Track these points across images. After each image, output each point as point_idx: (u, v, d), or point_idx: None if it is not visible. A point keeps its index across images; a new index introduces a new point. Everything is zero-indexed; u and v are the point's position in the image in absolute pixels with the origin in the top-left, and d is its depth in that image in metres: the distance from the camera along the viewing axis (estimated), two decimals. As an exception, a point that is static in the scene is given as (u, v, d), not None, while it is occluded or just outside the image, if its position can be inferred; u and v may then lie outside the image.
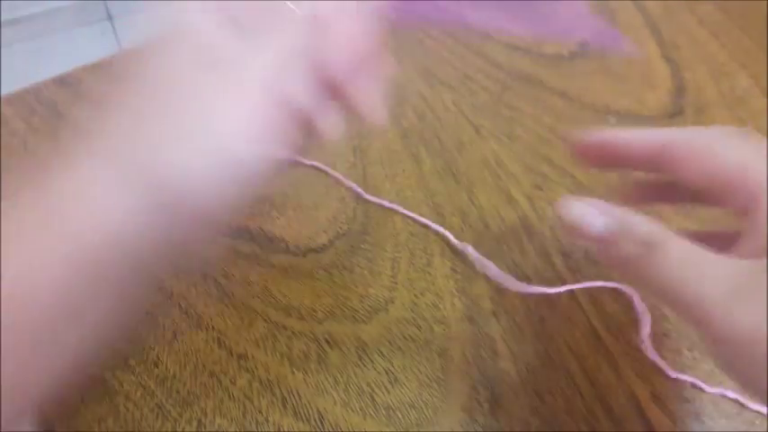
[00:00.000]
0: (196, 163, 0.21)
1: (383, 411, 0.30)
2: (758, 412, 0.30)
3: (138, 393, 0.30)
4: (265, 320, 0.33)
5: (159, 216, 0.22)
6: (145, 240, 0.22)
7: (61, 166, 0.22)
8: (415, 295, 0.34)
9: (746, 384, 0.19)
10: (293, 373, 0.31)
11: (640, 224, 0.20)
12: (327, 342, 0.32)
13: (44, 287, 0.21)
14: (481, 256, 0.35)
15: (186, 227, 0.24)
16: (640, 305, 0.33)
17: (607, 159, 0.26)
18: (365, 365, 0.31)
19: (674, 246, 0.20)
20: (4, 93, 0.47)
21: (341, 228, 0.37)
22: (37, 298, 0.21)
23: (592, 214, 0.22)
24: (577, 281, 0.34)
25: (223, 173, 0.22)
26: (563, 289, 0.34)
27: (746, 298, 0.18)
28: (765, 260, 0.18)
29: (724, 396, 0.30)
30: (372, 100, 0.24)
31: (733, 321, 0.18)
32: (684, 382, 0.31)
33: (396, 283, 0.34)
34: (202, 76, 0.22)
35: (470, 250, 0.35)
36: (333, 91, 0.23)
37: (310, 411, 0.30)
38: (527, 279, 0.35)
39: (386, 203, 0.38)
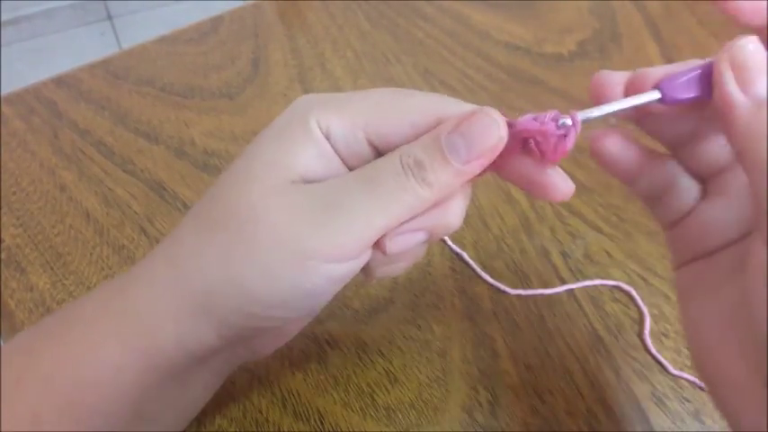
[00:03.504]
0: (269, 288, 0.21)
1: (383, 411, 0.30)
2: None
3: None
4: (265, 320, 0.33)
5: (234, 338, 0.22)
6: (219, 353, 0.23)
7: (143, 287, 0.22)
8: (415, 295, 0.34)
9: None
10: (293, 373, 0.31)
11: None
12: (327, 342, 0.32)
13: (122, 400, 0.22)
14: (475, 265, 0.35)
15: (253, 345, 0.25)
16: (641, 304, 0.33)
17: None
18: (365, 365, 0.31)
19: None
20: (4, 93, 0.47)
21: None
22: (113, 409, 0.22)
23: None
24: (577, 281, 0.34)
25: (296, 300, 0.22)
26: (561, 289, 0.34)
27: None
28: None
29: (724, 396, 0.30)
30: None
31: None
32: (684, 381, 0.31)
33: (396, 283, 0.34)
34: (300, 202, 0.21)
35: (465, 257, 0.35)
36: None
37: (310, 411, 0.30)
38: (527, 279, 0.35)
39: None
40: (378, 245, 0.22)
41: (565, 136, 0.21)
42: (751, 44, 0.20)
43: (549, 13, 0.53)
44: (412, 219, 0.21)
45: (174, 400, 0.24)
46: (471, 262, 0.35)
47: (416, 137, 0.21)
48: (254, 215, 0.21)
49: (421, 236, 0.22)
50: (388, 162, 0.21)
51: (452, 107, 0.21)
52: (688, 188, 0.23)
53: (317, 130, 0.21)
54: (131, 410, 0.22)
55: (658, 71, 0.21)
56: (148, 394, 0.22)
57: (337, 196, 0.21)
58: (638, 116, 0.23)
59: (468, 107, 0.21)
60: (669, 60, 0.48)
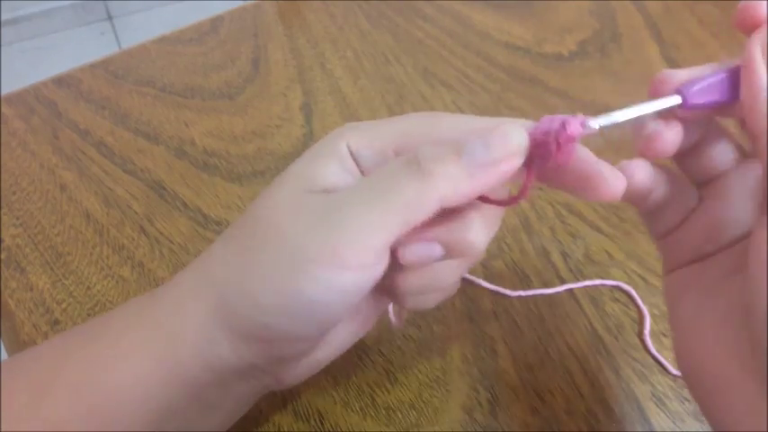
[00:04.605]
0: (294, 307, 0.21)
1: (383, 411, 0.30)
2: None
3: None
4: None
5: (253, 358, 0.22)
6: (241, 377, 0.23)
7: (171, 297, 0.22)
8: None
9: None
10: (293, 373, 0.31)
11: None
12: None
13: (144, 411, 0.22)
14: (474, 277, 0.35)
15: (283, 367, 0.24)
16: (640, 303, 0.33)
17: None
18: (365, 365, 0.31)
19: None
20: (4, 93, 0.47)
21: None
22: (135, 421, 0.22)
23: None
24: (577, 281, 0.34)
25: (319, 317, 0.21)
26: (561, 289, 0.34)
27: None
28: None
29: (724, 396, 0.30)
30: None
31: None
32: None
33: (396, 283, 0.34)
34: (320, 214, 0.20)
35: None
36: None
37: (310, 411, 0.30)
38: (527, 279, 0.35)
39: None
40: (393, 254, 0.21)
41: (570, 139, 0.19)
42: None
43: (549, 13, 0.53)
44: (426, 226, 0.20)
45: (195, 423, 0.24)
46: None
47: None
48: (266, 221, 0.21)
49: (437, 249, 0.21)
50: (394, 161, 0.21)
51: (480, 123, 0.21)
52: (687, 197, 0.23)
53: (344, 148, 0.22)
54: (151, 426, 0.22)
55: (680, 74, 0.21)
56: (170, 410, 0.22)
57: (340, 200, 0.20)
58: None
59: (497, 121, 0.21)
60: (669, 60, 0.48)
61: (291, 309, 0.20)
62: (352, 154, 0.22)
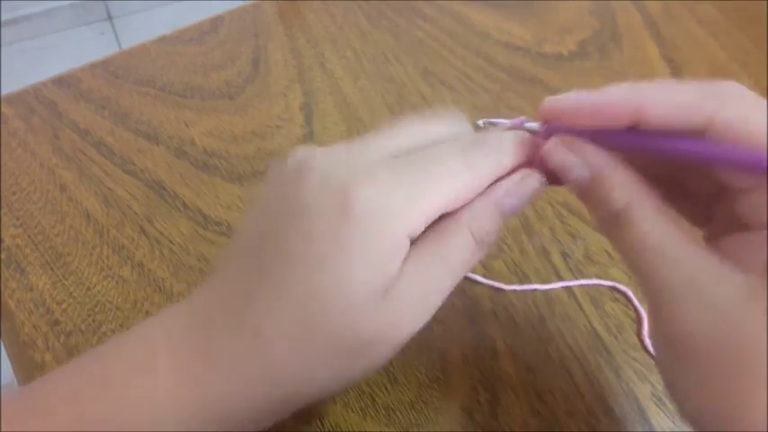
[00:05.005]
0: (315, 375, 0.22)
1: (383, 411, 0.30)
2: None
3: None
4: (265, 320, 0.33)
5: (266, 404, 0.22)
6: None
7: (225, 353, 0.22)
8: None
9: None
10: (293, 373, 0.31)
11: (615, 188, 0.20)
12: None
13: None
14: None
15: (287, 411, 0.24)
16: (637, 304, 0.33)
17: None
18: (365, 365, 0.31)
19: (647, 225, 0.19)
20: (4, 93, 0.47)
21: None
22: None
23: (571, 162, 0.21)
24: (577, 280, 0.34)
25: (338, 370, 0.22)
26: (557, 285, 0.34)
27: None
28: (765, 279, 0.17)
29: (724, 396, 0.30)
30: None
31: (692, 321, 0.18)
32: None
33: (396, 283, 0.34)
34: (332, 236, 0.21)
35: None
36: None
37: (310, 411, 0.30)
38: (527, 279, 0.35)
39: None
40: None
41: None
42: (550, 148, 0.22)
43: (549, 13, 0.53)
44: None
45: None
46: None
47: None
48: (349, 327, 0.21)
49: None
50: (460, 236, 0.22)
51: (509, 161, 0.23)
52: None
53: (406, 242, 0.21)
54: None
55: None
56: None
57: (420, 287, 0.22)
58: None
59: (514, 157, 0.23)
60: (669, 60, 0.48)
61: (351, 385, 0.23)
62: (410, 236, 0.22)
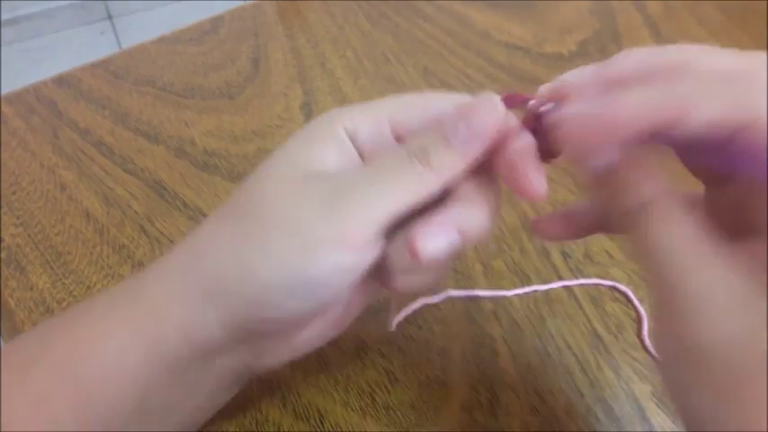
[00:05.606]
0: (284, 284, 0.21)
1: (383, 411, 0.30)
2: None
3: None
4: (265, 320, 0.33)
5: (239, 332, 0.22)
6: (224, 352, 0.23)
7: (156, 274, 0.23)
8: (416, 295, 0.34)
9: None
10: (293, 372, 0.31)
11: (643, 179, 0.19)
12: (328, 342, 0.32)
13: (126, 385, 0.22)
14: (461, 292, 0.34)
15: (267, 345, 0.24)
16: (637, 303, 0.33)
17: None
18: (365, 365, 0.31)
19: (672, 224, 0.18)
20: (4, 92, 0.47)
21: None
22: (118, 395, 0.22)
23: (600, 144, 0.19)
24: (577, 280, 0.34)
25: (311, 299, 0.22)
26: (557, 285, 0.34)
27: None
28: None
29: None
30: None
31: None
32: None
33: (396, 283, 0.34)
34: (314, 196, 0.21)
35: (452, 293, 0.34)
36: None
37: (310, 411, 0.30)
38: (527, 279, 0.35)
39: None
40: (410, 250, 0.21)
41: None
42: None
43: (549, 13, 0.53)
44: (435, 215, 0.21)
45: (177, 403, 0.24)
46: (459, 292, 0.35)
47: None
48: (267, 204, 0.21)
49: (454, 235, 0.21)
50: (395, 150, 0.22)
51: (461, 99, 0.22)
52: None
53: (341, 131, 0.22)
54: (134, 401, 0.22)
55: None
56: (151, 386, 0.22)
57: (345, 184, 0.21)
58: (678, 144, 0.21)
59: (476, 98, 0.22)
60: (669, 60, 0.48)
61: (292, 286, 0.21)
62: (348, 136, 0.23)
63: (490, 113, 0.22)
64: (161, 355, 0.22)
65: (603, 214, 0.23)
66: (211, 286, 0.22)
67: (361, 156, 0.23)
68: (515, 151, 0.21)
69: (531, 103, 0.23)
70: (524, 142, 0.22)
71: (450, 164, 0.21)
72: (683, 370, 0.18)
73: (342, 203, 0.21)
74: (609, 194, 0.20)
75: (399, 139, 0.23)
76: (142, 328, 0.22)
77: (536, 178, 0.21)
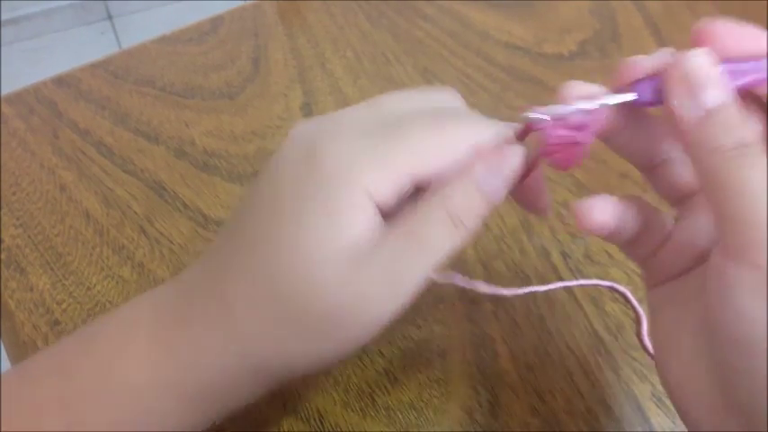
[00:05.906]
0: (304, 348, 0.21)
1: (383, 411, 0.30)
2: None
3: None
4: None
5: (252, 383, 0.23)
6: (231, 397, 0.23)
7: (196, 322, 0.22)
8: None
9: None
10: (293, 373, 0.31)
11: (749, 117, 0.19)
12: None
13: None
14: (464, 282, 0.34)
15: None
16: (636, 304, 0.33)
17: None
18: (365, 365, 0.31)
19: (757, 163, 0.18)
20: (4, 92, 0.47)
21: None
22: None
23: (713, 75, 0.20)
24: (577, 281, 0.34)
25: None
26: (557, 285, 0.34)
27: None
28: None
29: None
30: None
31: None
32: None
33: (396, 283, 0.34)
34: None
35: (458, 279, 0.34)
36: None
37: (310, 411, 0.30)
38: (527, 279, 0.35)
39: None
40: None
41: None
42: (698, 57, 0.21)
43: (549, 13, 0.53)
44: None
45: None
46: (461, 282, 0.34)
47: (455, 169, 0.21)
48: (312, 292, 0.21)
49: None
50: (434, 214, 0.21)
51: (486, 134, 0.22)
52: (662, 223, 0.23)
53: (364, 197, 0.21)
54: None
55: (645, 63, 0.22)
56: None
57: (392, 264, 0.21)
58: (611, 131, 0.23)
59: (494, 131, 0.22)
60: (669, 60, 0.48)
61: (324, 367, 0.23)
62: (371, 197, 0.21)
63: (516, 161, 0.22)
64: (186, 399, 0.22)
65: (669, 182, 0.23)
66: (249, 359, 0.22)
67: (382, 213, 0.21)
68: (531, 178, 0.23)
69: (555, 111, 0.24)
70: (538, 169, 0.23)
71: (482, 216, 0.22)
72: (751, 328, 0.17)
73: (392, 291, 0.21)
74: (715, 133, 0.19)
75: (419, 186, 0.22)
76: (171, 380, 0.22)
77: (545, 199, 0.23)
